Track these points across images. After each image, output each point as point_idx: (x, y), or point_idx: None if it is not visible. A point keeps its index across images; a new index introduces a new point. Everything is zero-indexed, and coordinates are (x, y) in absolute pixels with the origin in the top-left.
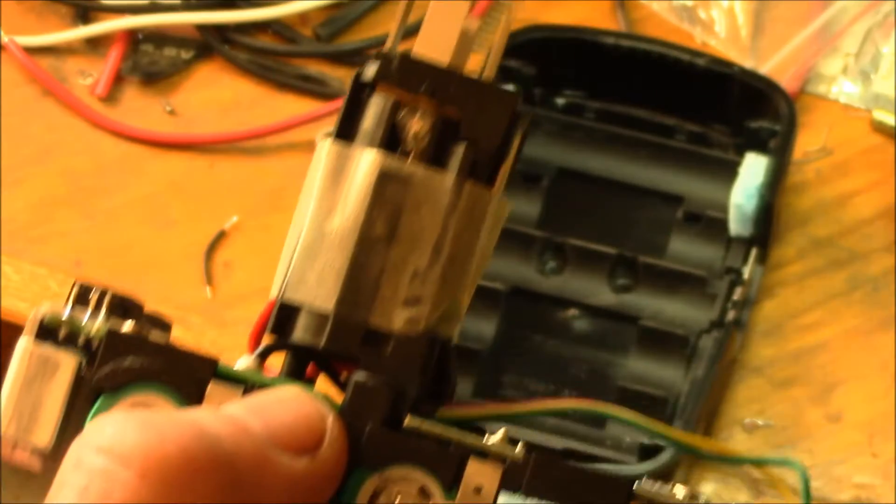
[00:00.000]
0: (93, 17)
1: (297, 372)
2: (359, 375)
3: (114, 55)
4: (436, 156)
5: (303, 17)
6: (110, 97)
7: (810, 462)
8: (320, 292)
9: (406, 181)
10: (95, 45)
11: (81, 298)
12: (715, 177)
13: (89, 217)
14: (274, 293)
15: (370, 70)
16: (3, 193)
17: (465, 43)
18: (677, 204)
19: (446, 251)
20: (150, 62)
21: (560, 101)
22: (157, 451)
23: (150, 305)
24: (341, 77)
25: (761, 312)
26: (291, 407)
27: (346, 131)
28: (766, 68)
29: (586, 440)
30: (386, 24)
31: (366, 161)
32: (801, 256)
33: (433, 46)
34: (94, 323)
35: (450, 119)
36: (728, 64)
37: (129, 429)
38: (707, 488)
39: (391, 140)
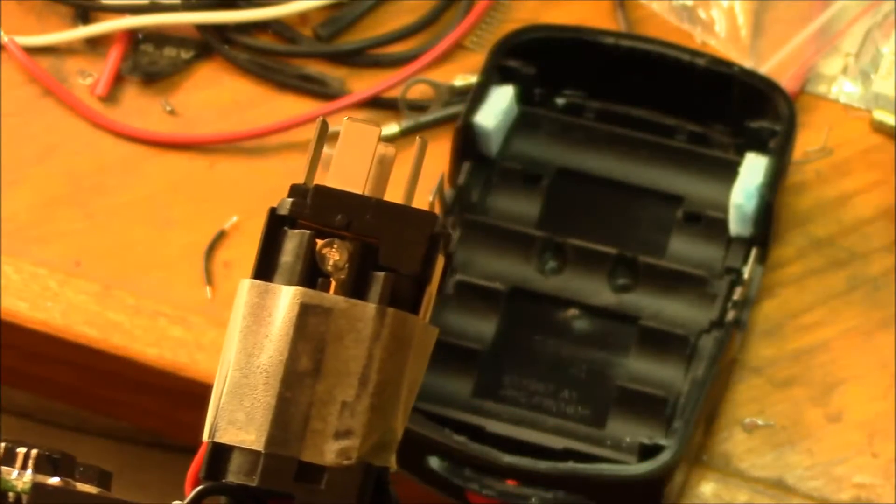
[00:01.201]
0: (93, 17)
1: None
2: None
3: (114, 55)
4: (357, 285)
5: (303, 17)
6: (110, 97)
7: (810, 462)
8: (250, 431)
9: (328, 313)
10: (95, 45)
11: (8, 457)
12: (715, 177)
13: (89, 217)
14: (205, 435)
15: (285, 205)
16: (3, 193)
17: (383, 169)
18: (677, 204)
19: (373, 381)
20: (150, 62)
21: (560, 101)
22: None
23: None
24: (341, 77)
25: (761, 312)
26: None
27: (265, 268)
28: (766, 68)
29: (586, 440)
30: (386, 24)
31: (286, 296)
32: (801, 256)
33: (348, 174)
34: (22, 478)
35: (370, 246)
36: (728, 64)
37: None
38: (707, 488)
39: (311, 273)
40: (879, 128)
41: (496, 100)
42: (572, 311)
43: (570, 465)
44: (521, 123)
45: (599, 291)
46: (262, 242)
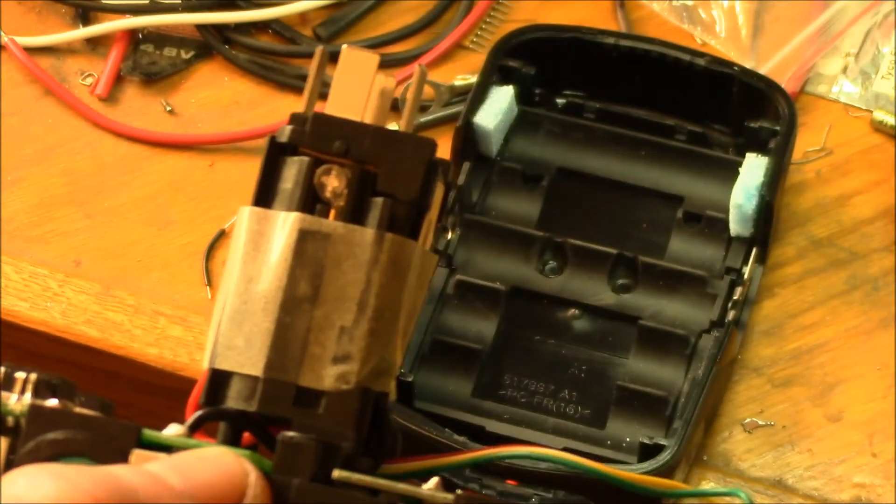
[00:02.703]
0: (93, 17)
1: (233, 439)
2: (286, 433)
3: (114, 55)
4: (355, 211)
5: (303, 17)
6: (110, 97)
7: (810, 462)
8: (249, 356)
9: (326, 239)
10: (95, 45)
11: (7, 382)
12: (715, 177)
13: (89, 217)
14: (205, 362)
15: (284, 132)
16: (3, 193)
17: (383, 97)
18: (677, 204)
19: (372, 306)
20: (150, 62)
21: (560, 101)
22: (69, 499)
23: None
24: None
25: (761, 312)
26: (213, 464)
27: (264, 195)
28: (766, 68)
29: (586, 440)
30: (386, 24)
31: (285, 223)
32: (801, 256)
33: (347, 101)
34: (20, 402)
35: (369, 172)
36: (728, 64)
37: (42, 480)
38: (707, 488)
39: (310, 199)
40: (879, 128)
41: (496, 100)
42: (572, 311)
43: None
44: (521, 123)
45: (599, 291)
46: (261, 170)
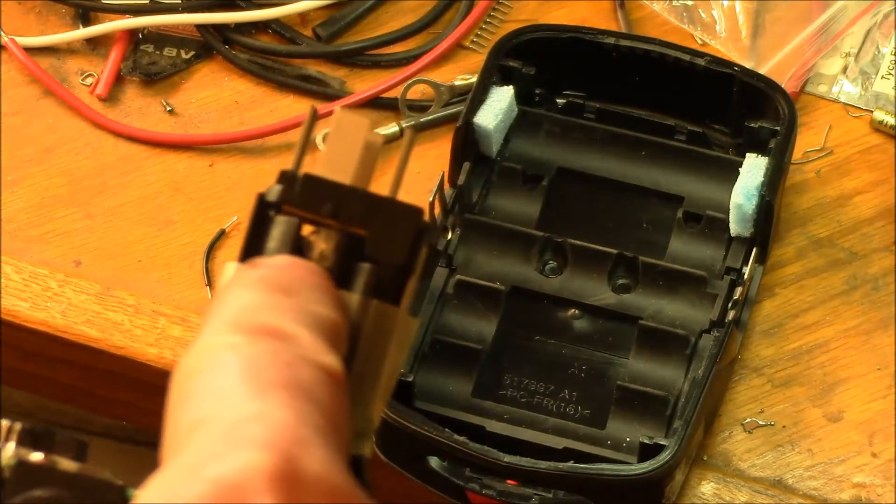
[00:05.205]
0: (93, 17)
1: None
2: None
3: (114, 55)
4: (342, 275)
5: (303, 17)
6: (110, 97)
7: (810, 462)
8: None
9: None
10: (95, 45)
11: None
12: (715, 177)
13: (89, 217)
14: None
15: (274, 191)
16: (3, 193)
17: (370, 157)
18: (677, 204)
19: (354, 372)
20: (150, 62)
21: (560, 101)
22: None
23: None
24: (341, 77)
25: (761, 312)
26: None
27: (251, 252)
28: (766, 68)
29: (586, 440)
30: (386, 24)
31: None
32: (801, 256)
33: (337, 164)
34: (4, 454)
35: (356, 237)
36: (728, 64)
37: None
38: (707, 488)
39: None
40: (879, 128)
41: (496, 100)
42: (572, 311)
43: (570, 465)
44: (521, 123)
45: (599, 291)
46: (249, 227)
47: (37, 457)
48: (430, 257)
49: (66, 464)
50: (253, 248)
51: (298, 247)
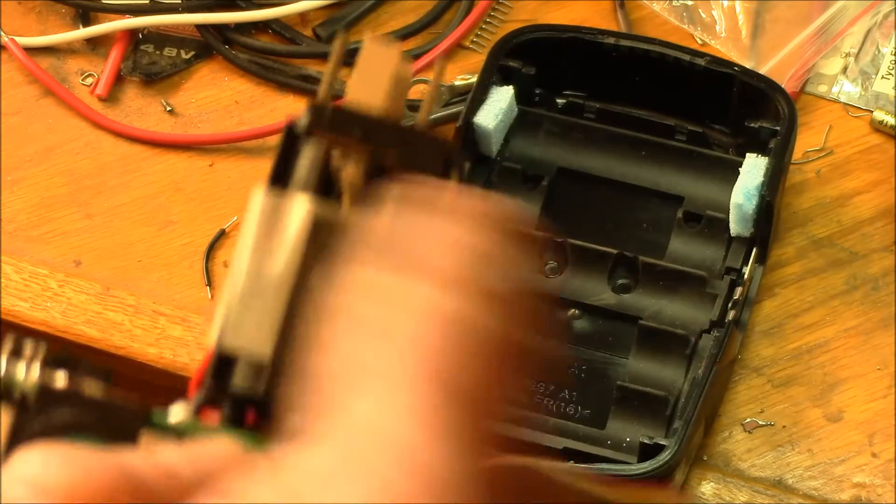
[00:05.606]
0: (93, 17)
1: (237, 419)
2: None
3: (114, 55)
4: (369, 202)
5: (303, 17)
6: (110, 97)
7: (810, 462)
8: (257, 339)
9: (340, 227)
10: (95, 45)
11: (16, 352)
12: (715, 177)
13: (89, 217)
14: (212, 339)
15: (303, 120)
16: (3, 193)
17: (400, 88)
18: (677, 204)
19: None
20: (150, 62)
21: (560, 101)
22: (81, 486)
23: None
24: (342, 77)
25: (761, 312)
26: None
27: (279, 178)
28: (766, 68)
29: (586, 440)
30: (386, 24)
31: (299, 208)
32: (801, 256)
33: (366, 94)
34: (29, 377)
35: (383, 167)
36: (728, 64)
37: (55, 464)
38: (707, 488)
39: (325, 186)
40: (879, 128)
41: (496, 100)
42: (572, 311)
43: (570, 466)
44: (521, 123)
45: (599, 291)
46: (277, 154)
47: (61, 380)
48: (461, 178)
49: (91, 386)
50: (281, 174)
51: (327, 171)
